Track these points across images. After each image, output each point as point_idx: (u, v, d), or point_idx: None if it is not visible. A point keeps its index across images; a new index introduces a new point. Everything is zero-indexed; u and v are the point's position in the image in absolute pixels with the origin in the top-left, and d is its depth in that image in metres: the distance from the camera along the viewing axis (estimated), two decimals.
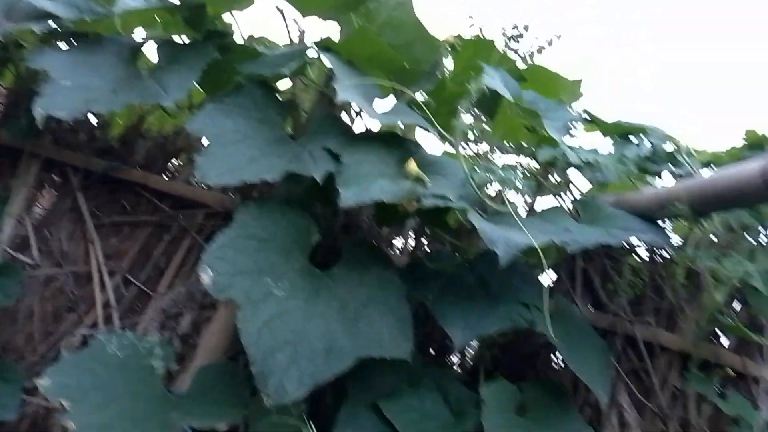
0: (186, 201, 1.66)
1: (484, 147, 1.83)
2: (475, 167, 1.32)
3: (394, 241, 1.72)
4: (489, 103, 1.67)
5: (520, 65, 1.81)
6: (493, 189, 1.42)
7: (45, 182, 1.71)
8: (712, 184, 1.12)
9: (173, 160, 1.74)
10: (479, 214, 1.24)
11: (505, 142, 1.80)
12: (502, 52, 1.66)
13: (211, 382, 1.26)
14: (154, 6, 1.52)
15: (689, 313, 1.50)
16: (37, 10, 1.54)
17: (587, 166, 1.39)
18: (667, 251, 1.54)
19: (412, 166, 1.25)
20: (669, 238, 1.29)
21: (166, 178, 1.69)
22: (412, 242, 1.70)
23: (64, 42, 1.67)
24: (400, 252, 1.72)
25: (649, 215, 1.34)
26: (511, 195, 1.46)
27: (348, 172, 1.26)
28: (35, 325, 1.59)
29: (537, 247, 1.15)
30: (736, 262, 1.20)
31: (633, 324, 1.50)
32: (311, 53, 1.51)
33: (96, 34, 1.62)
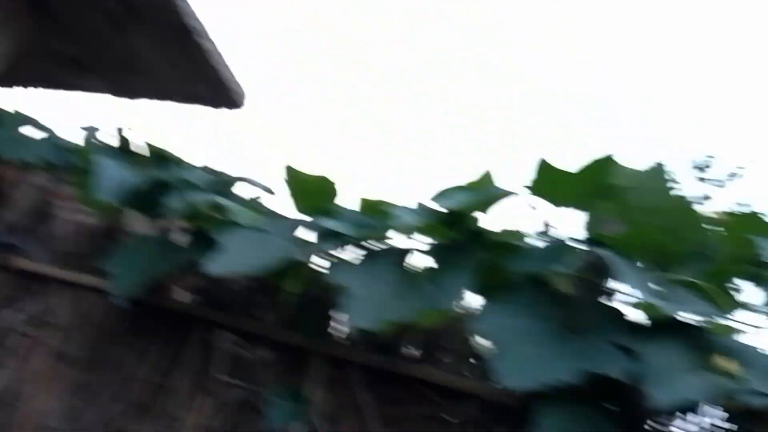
0: (456, 392, 1.73)
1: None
2: None
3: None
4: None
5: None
6: None
7: (330, 379, 1.89)
8: None
9: (442, 353, 1.84)
10: None
11: None
12: None
13: None
14: (428, 220, 1.72)
15: None
16: (326, 228, 1.82)
17: None
18: None
19: (721, 361, 1.20)
20: None
21: (438, 371, 1.79)
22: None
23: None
24: None
25: None
26: None
27: (649, 369, 1.24)
28: None
29: None
30: None
31: None
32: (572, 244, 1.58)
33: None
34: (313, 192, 1.99)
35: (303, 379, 1.86)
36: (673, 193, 1.58)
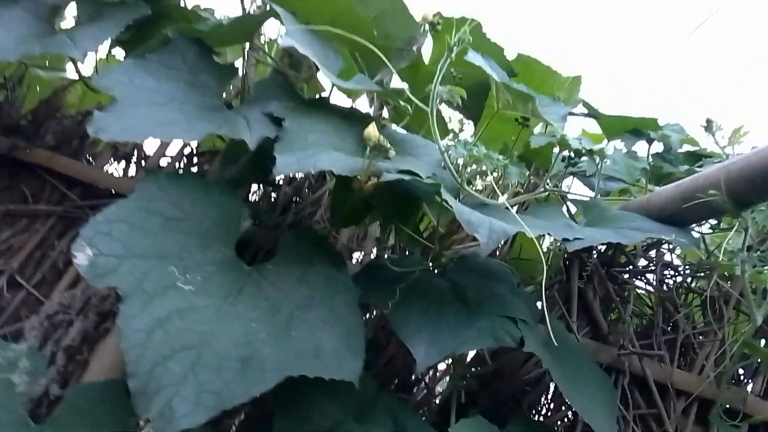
0: (99, 190, 1.37)
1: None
2: (455, 146, 1.04)
3: (354, 253, 1.43)
4: (472, 101, 1.43)
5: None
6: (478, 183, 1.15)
7: None
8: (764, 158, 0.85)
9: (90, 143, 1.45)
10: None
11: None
12: (490, 39, 1.42)
13: (87, 405, 0.92)
14: None
15: (709, 349, 1.22)
16: None
17: (590, 155, 1.13)
18: (681, 274, 1.27)
19: (372, 130, 0.97)
20: (696, 238, 1.02)
21: (80, 163, 1.40)
22: (374, 252, 1.41)
23: None
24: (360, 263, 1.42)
25: (667, 217, 1.07)
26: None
27: (291, 138, 0.98)
28: None
29: (532, 236, 0.87)
30: None
31: (642, 360, 1.21)
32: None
33: None
34: None
35: None
36: None
